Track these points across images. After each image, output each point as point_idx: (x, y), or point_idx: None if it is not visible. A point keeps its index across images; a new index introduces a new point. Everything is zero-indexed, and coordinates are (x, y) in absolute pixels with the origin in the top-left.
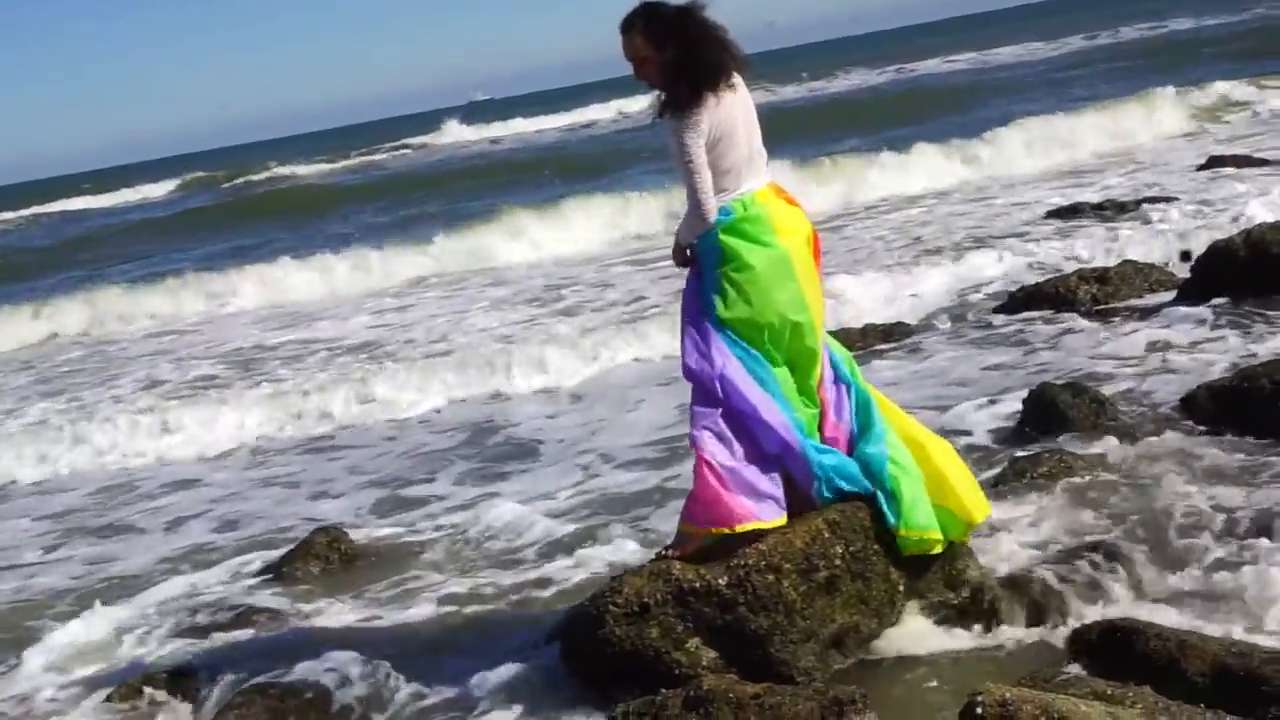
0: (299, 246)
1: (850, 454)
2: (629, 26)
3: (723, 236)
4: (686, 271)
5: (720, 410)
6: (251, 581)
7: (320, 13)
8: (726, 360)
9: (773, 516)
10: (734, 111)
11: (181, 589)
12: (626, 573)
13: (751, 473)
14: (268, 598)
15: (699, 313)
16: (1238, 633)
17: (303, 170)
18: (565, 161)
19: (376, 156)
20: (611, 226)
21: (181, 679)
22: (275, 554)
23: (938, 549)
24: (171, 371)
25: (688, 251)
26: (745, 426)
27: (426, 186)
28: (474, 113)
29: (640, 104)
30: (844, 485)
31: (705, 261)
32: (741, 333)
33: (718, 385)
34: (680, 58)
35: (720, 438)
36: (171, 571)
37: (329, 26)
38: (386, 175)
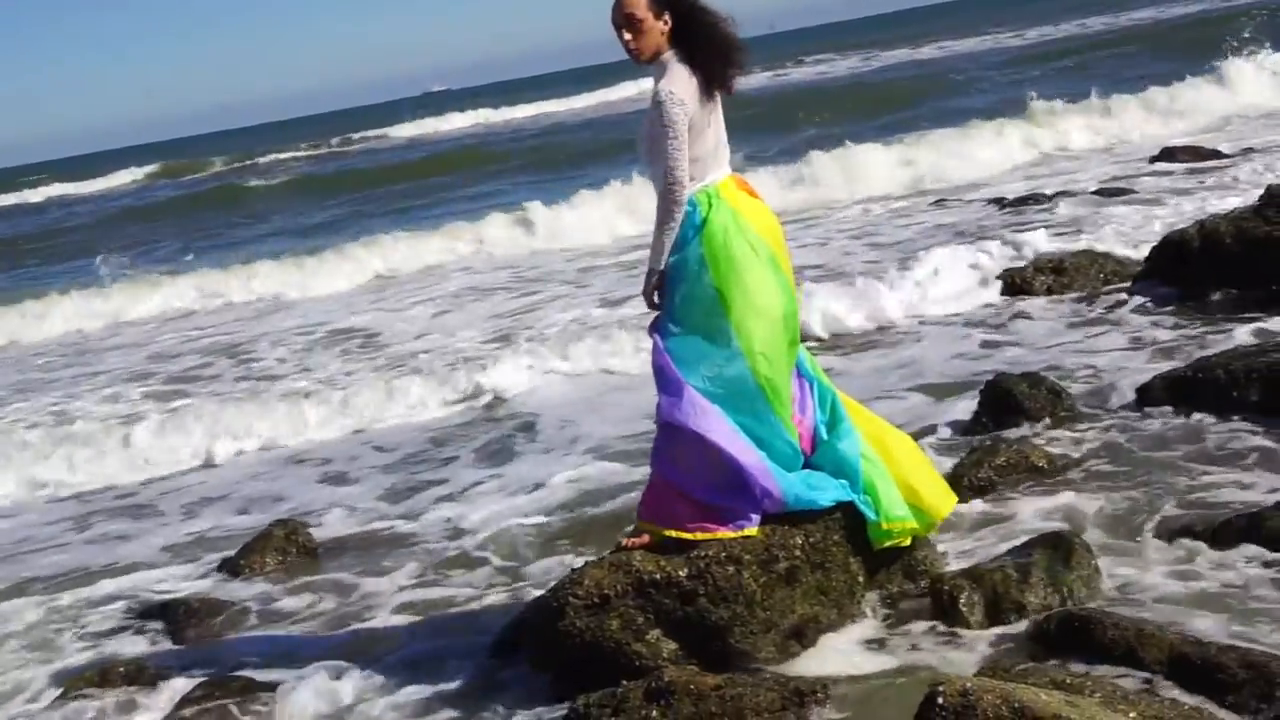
0: (272, 239)
1: (814, 451)
2: None
3: (705, 248)
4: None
5: (691, 446)
6: (210, 573)
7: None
8: (701, 413)
9: (735, 530)
10: (711, 101)
11: (141, 580)
12: (587, 564)
13: (716, 503)
14: (225, 590)
15: (671, 369)
16: (1193, 623)
17: (261, 161)
18: (538, 152)
19: (340, 147)
20: (602, 222)
21: (139, 671)
22: (234, 547)
23: (908, 541)
24: (176, 367)
25: (656, 291)
26: (725, 471)
27: (396, 179)
28: (432, 103)
29: (602, 97)
30: (823, 503)
31: (692, 283)
32: (759, 337)
33: (692, 433)
34: (687, 39)
35: (688, 470)
36: (144, 563)
37: (270, 12)
38: (363, 166)
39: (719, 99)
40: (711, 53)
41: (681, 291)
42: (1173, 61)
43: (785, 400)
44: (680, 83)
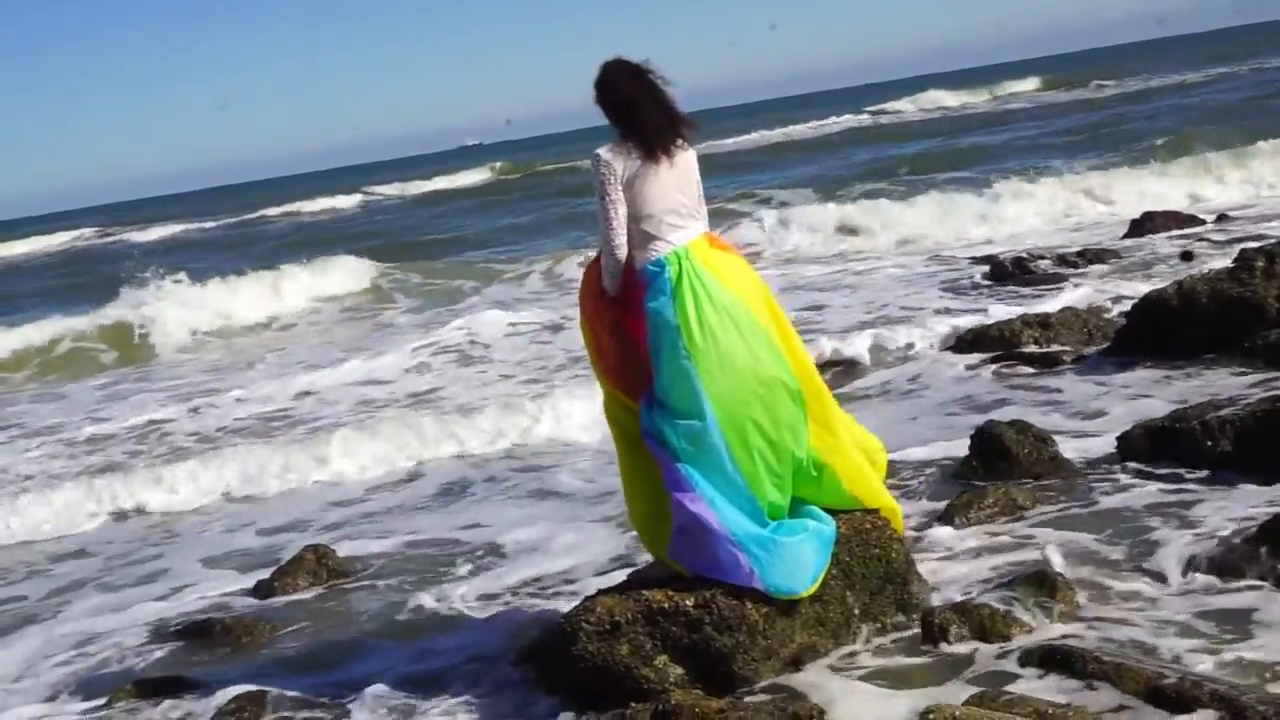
0: None
1: None
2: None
3: (679, 314)
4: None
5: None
6: (244, 593)
7: (293, 56)
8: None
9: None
10: (654, 164)
11: (176, 599)
12: (599, 592)
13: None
14: (259, 610)
15: (663, 448)
16: (1168, 656)
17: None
18: None
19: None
20: None
21: (174, 685)
22: (269, 569)
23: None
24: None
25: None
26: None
27: None
28: (466, 156)
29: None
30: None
31: (670, 351)
32: (728, 407)
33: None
34: (613, 116)
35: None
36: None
37: (301, 71)
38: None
39: (673, 166)
40: (641, 127)
41: (664, 362)
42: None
43: (769, 468)
44: (607, 148)
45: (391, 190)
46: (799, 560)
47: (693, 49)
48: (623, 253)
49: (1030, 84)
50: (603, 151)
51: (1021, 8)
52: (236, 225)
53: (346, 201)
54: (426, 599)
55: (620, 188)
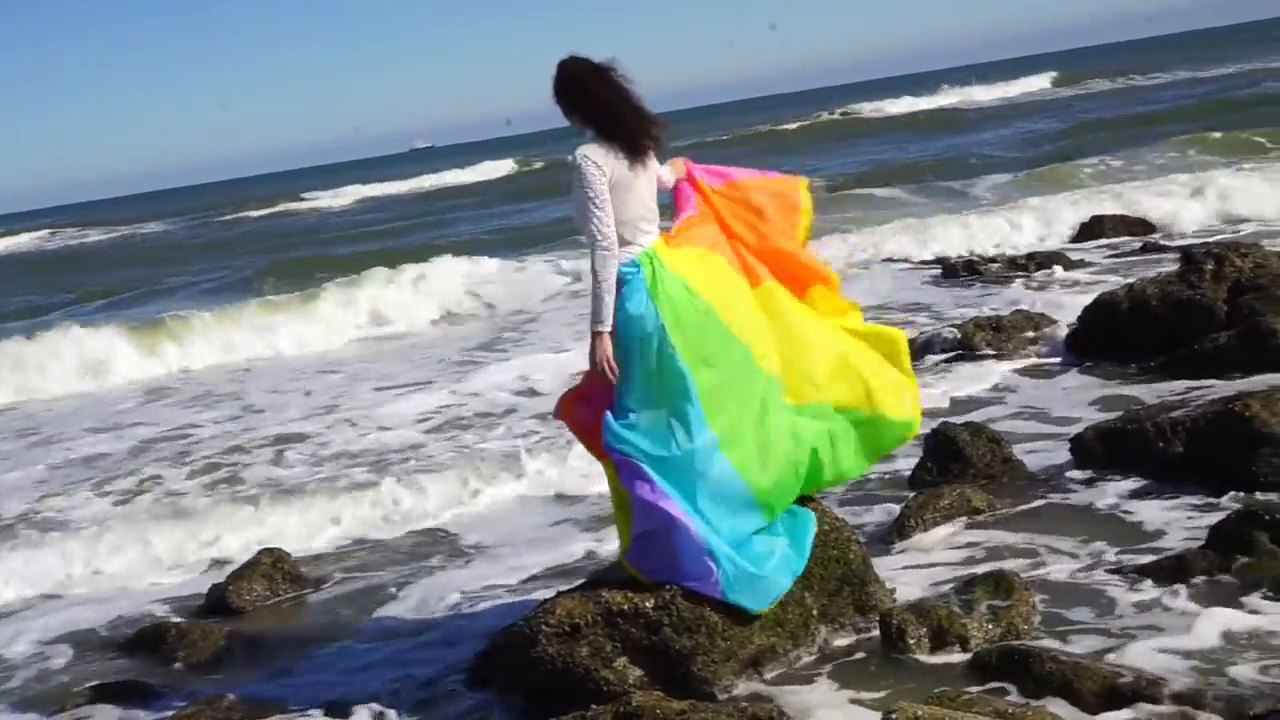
0: None
1: None
2: None
3: (664, 311)
4: None
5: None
6: (200, 598)
7: (253, 60)
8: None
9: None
10: (634, 167)
11: (130, 605)
12: (559, 594)
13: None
14: (213, 616)
15: (632, 465)
16: (1123, 656)
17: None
18: None
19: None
20: None
21: (126, 692)
22: (223, 573)
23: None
24: None
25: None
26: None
27: None
28: (419, 159)
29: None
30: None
31: (657, 357)
32: (719, 404)
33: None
34: (583, 119)
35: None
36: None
37: (260, 73)
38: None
39: (646, 171)
40: (620, 132)
41: (638, 368)
42: None
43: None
44: (595, 149)
45: (394, 188)
46: (766, 585)
47: (674, 48)
48: (615, 251)
49: (1027, 84)
50: (590, 151)
51: (1020, 7)
52: (217, 225)
53: (342, 199)
54: (384, 603)
55: (608, 188)
